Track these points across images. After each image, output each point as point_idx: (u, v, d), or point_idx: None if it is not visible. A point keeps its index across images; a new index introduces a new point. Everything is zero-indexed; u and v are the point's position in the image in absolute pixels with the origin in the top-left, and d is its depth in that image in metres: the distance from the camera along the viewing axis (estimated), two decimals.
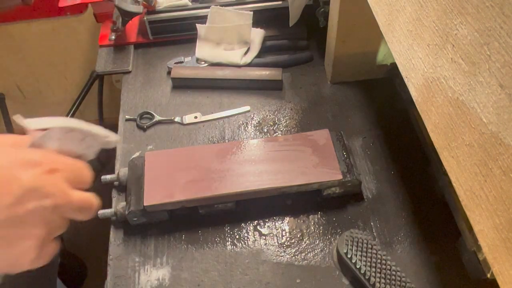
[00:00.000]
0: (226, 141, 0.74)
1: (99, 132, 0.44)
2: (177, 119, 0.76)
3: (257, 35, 0.86)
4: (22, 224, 0.38)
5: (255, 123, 0.76)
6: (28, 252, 0.39)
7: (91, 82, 1.19)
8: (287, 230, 0.63)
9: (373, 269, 0.54)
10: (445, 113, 0.37)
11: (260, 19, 0.87)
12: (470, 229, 0.53)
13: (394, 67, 0.76)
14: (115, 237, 0.63)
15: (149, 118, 0.77)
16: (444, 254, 0.59)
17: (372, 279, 0.53)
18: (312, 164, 0.63)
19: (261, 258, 0.60)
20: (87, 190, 0.42)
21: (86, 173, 0.43)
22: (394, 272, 0.54)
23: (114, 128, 0.80)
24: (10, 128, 1.42)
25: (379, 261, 0.54)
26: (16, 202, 0.37)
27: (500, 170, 0.30)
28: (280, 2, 0.87)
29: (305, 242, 0.61)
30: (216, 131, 0.75)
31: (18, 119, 0.39)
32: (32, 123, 0.40)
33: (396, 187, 0.66)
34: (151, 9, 0.87)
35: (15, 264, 0.39)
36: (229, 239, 0.62)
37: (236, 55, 0.83)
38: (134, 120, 0.77)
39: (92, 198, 0.42)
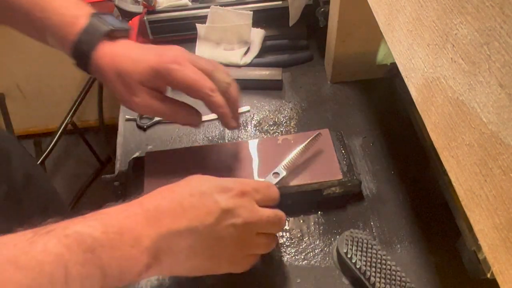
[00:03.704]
0: (226, 141, 0.74)
1: None
2: None
3: (257, 35, 0.86)
4: (219, 241, 0.45)
5: (255, 123, 0.76)
6: (222, 264, 0.48)
7: (91, 82, 1.20)
8: (287, 230, 0.63)
9: (373, 269, 0.54)
10: (445, 113, 0.37)
11: (260, 19, 0.87)
12: (470, 229, 0.53)
13: (394, 67, 0.76)
14: None
15: (149, 118, 0.77)
16: (444, 254, 0.59)
17: (372, 279, 0.53)
18: (312, 164, 0.63)
19: (261, 258, 0.60)
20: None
21: (273, 191, 0.51)
22: (394, 272, 0.54)
23: (114, 128, 0.80)
24: (10, 128, 1.42)
25: (379, 261, 0.54)
26: (215, 222, 0.44)
27: (500, 170, 0.30)
28: (280, 2, 0.87)
29: (305, 242, 0.61)
30: (216, 131, 0.75)
31: None
32: None
33: (396, 187, 0.66)
34: (151, 9, 0.87)
35: (210, 271, 0.49)
36: None
37: (236, 55, 0.83)
38: (134, 120, 0.77)
39: (278, 213, 0.50)
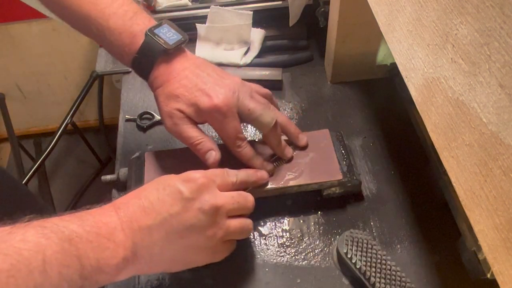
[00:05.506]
0: None
1: None
2: None
3: (257, 35, 0.86)
4: (191, 229, 0.47)
5: None
6: (200, 254, 0.49)
7: (91, 82, 1.19)
8: (287, 230, 0.63)
9: (373, 269, 0.54)
10: (445, 113, 0.37)
11: (260, 19, 0.87)
12: (470, 229, 0.53)
13: (394, 67, 0.76)
14: None
15: (149, 118, 0.77)
16: (444, 254, 0.59)
17: (372, 279, 0.53)
18: (312, 164, 0.63)
19: (261, 258, 0.60)
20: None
21: (231, 174, 0.53)
22: (394, 272, 0.54)
23: (114, 128, 0.80)
24: (10, 128, 1.42)
25: (379, 261, 0.54)
26: (182, 210, 0.46)
27: (500, 170, 0.30)
28: (280, 2, 0.87)
29: (305, 242, 0.61)
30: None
31: None
32: None
33: (396, 187, 0.66)
34: (151, 9, 0.87)
35: (190, 263, 0.50)
36: None
37: (236, 55, 0.83)
38: (134, 120, 0.77)
39: (242, 192, 0.53)
